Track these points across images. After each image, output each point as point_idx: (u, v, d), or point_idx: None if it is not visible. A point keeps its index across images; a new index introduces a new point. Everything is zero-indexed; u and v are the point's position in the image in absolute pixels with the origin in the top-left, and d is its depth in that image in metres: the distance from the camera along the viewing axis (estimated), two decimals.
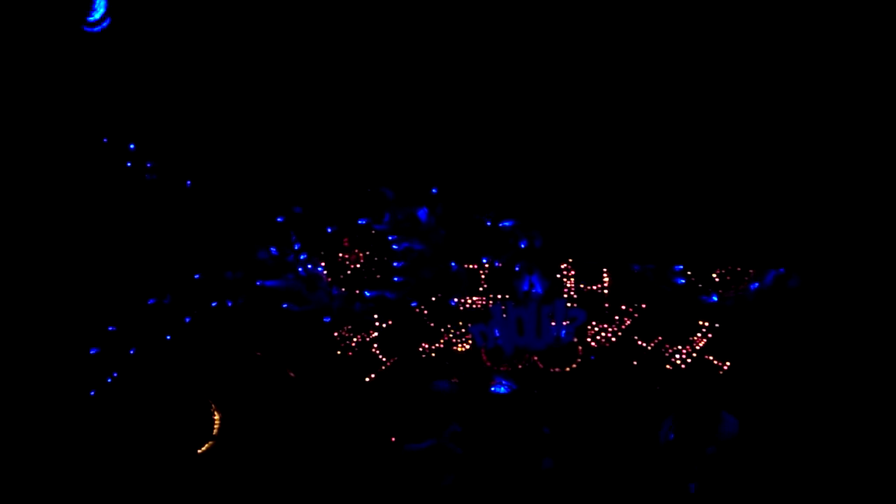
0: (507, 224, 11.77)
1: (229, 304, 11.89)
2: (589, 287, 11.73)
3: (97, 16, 11.66)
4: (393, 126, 11.86)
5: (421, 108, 11.83)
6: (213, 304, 11.89)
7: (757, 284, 11.44)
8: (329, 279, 11.87)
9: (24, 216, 11.90)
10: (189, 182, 11.98)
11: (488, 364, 11.70)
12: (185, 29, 11.99)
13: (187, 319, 11.86)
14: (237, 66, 12.09)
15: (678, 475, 9.09)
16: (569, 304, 11.66)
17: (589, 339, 11.64)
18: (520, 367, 11.68)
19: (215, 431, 11.78)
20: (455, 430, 8.80)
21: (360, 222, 11.86)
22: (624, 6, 11.33)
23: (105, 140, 11.98)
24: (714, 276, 11.51)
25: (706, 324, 11.48)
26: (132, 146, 12.01)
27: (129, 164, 12.02)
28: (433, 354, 11.81)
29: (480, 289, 11.83)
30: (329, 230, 11.90)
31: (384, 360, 11.84)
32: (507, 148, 11.81)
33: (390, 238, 11.83)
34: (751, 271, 11.47)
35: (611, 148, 11.62)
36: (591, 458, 11.05)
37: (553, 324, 11.57)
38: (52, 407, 11.68)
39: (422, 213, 11.82)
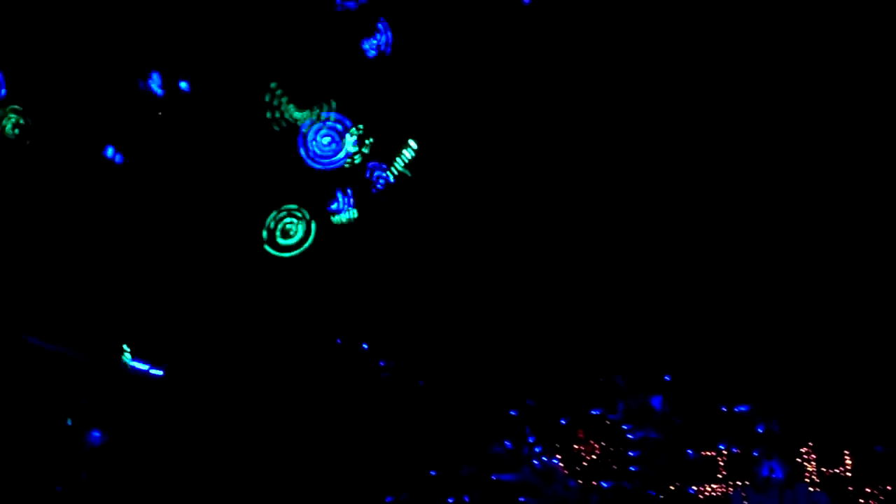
0: (743, 409, 11.66)
1: (466, 500, 11.80)
2: (831, 471, 11.53)
3: None
4: (621, 313, 11.88)
5: (647, 289, 11.85)
6: (451, 501, 11.80)
7: None
8: (565, 471, 11.77)
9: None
10: (422, 382, 12.05)
11: None
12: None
13: None
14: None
15: None
16: (811, 489, 11.45)
17: None
18: None
19: None
20: None
21: (593, 412, 11.81)
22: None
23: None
24: None
25: None
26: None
27: None
28: None
29: (719, 476, 11.66)
30: (563, 422, 11.86)
31: None
32: (737, 332, 11.75)
33: (625, 427, 11.75)
34: None
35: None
36: None
37: None
38: None
39: (656, 402, 11.77)
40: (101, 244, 11.51)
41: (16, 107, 10.65)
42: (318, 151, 11.35)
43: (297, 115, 11.09)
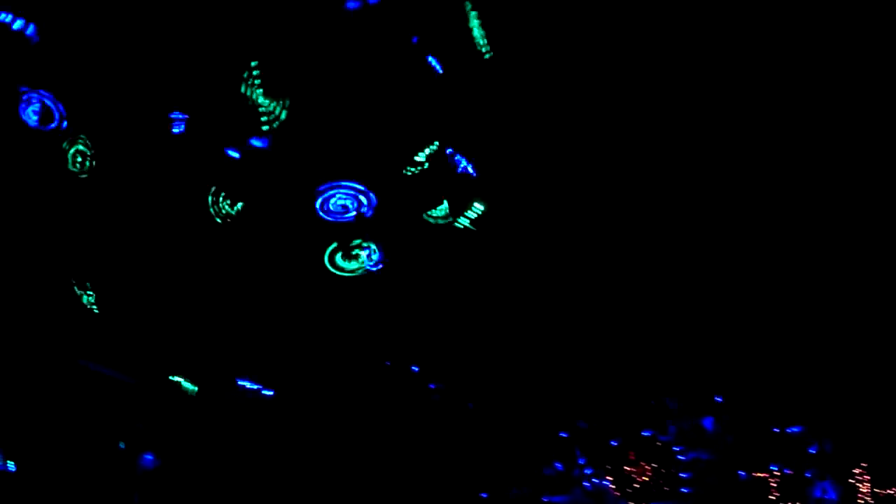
0: (794, 430, 11.62)
1: None
2: (885, 491, 11.47)
3: None
4: (672, 335, 11.85)
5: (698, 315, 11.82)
6: None
7: None
8: (616, 493, 11.75)
9: None
10: (471, 404, 12.05)
11: None
12: None
13: None
14: None
15: None
16: None
17: None
18: None
19: None
20: None
21: (644, 434, 11.79)
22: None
23: None
24: None
25: None
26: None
27: None
28: None
29: (771, 497, 11.62)
30: (614, 443, 11.84)
31: None
32: (789, 353, 11.72)
33: (676, 448, 11.72)
34: None
35: None
36: None
37: None
38: None
39: (707, 422, 11.73)
40: (154, 268, 11.54)
41: (80, 138, 10.72)
42: (332, 209, 11.37)
43: (261, 101, 11.03)
